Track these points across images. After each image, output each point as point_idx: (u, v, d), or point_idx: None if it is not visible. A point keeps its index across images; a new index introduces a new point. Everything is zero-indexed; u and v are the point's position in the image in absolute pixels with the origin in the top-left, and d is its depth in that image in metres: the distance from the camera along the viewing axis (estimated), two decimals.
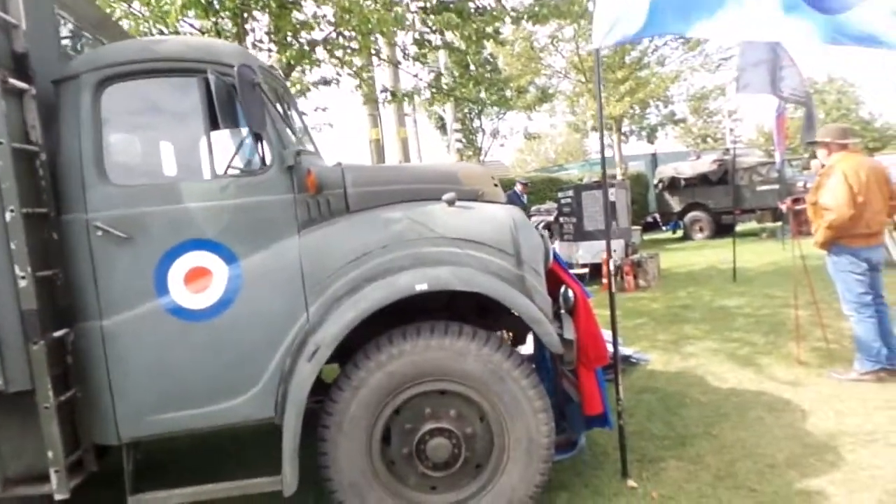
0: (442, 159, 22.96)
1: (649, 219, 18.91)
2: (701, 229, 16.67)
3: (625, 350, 5.44)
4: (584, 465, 3.36)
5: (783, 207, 6.79)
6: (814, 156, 5.91)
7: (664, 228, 18.57)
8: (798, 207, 5.69)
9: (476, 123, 26.10)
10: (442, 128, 23.51)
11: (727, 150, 22.66)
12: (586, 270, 9.78)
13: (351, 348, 2.71)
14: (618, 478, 3.17)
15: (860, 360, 4.24)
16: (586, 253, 9.48)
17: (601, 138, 3.37)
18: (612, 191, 9.33)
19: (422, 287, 2.59)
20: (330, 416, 2.63)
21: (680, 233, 17.36)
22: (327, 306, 2.62)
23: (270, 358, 2.61)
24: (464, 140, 25.56)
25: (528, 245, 2.79)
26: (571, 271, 3.57)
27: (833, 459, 3.16)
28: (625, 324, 6.80)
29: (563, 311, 3.12)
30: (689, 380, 4.64)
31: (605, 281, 9.25)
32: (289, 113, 3.18)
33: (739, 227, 17.18)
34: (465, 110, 25.49)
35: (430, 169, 3.43)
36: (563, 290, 3.16)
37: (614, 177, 16.67)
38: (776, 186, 14.96)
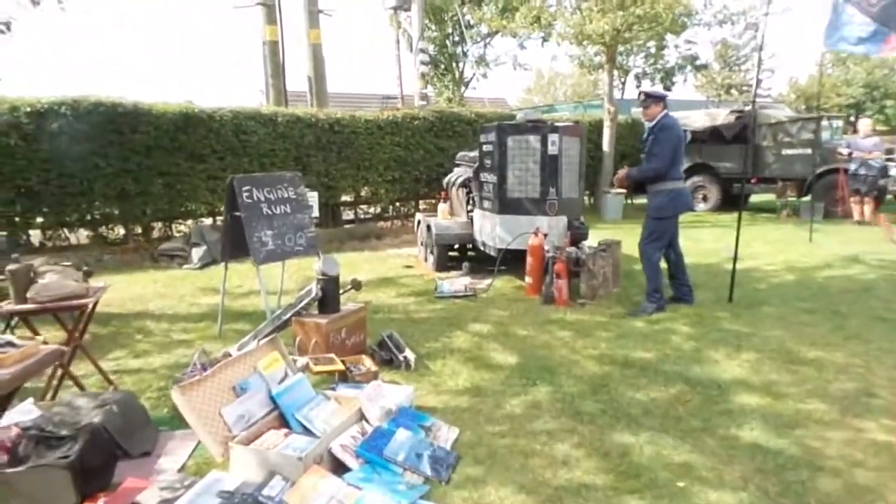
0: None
1: None
2: (705, 198, 13.14)
3: None
4: None
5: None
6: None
7: None
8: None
9: (460, 50, 22.04)
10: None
11: (753, 101, 18.66)
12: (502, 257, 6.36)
13: None
14: None
15: None
16: (506, 233, 6.03)
17: None
18: (552, 137, 5.81)
19: None
20: None
21: None
22: None
23: None
24: (442, 63, 21.54)
25: None
26: None
27: None
28: (456, 399, 3.46)
29: None
30: None
31: (528, 280, 5.91)
32: None
33: (753, 199, 13.63)
34: (448, 30, 21.50)
35: None
36: None
37: (595, 122, 12.95)
38: (808, 151, 11.34)
